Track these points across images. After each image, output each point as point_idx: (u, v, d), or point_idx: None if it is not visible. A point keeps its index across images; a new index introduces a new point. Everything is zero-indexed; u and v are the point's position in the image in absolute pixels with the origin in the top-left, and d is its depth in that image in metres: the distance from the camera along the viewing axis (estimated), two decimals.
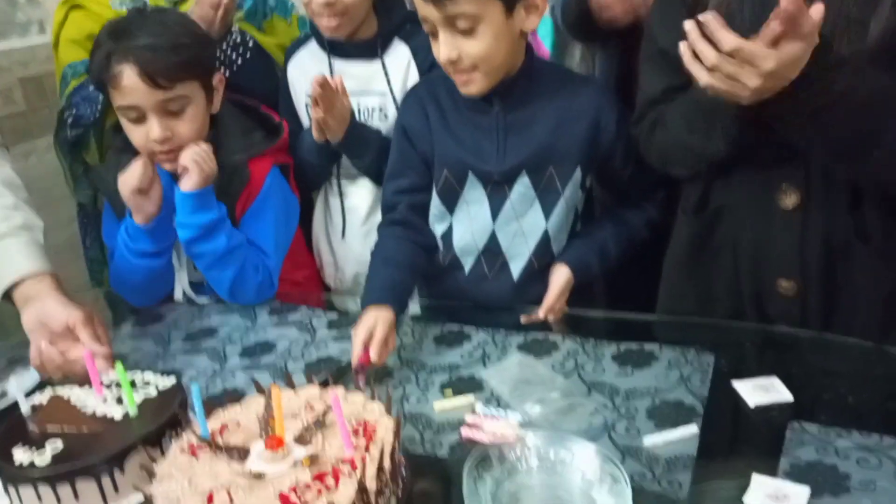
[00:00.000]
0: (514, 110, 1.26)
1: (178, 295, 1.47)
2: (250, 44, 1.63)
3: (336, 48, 1.52)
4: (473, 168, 1.28)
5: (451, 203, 1.33)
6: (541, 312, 1.26)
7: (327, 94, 1.36)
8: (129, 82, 1.26)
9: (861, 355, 1.06)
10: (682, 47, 0.92)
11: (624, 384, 1.04)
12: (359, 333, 1.11)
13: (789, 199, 1.06)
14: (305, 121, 1.58)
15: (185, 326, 1.36)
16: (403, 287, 1.25)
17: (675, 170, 1.19)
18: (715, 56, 0.88)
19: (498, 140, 1.27)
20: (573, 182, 1.28)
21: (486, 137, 1.28)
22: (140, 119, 1.30)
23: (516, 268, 1.33)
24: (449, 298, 1.38)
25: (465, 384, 1.08)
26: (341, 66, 1.52)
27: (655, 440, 0.90)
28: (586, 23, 1.43)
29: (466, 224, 1.33)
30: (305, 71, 1.56)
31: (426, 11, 1.16)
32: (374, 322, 1.12)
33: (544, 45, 1.74)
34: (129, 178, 1.30)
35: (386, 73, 1.50)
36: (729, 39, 0.87)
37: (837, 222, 1.06)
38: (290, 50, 1.61)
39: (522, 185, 1.28)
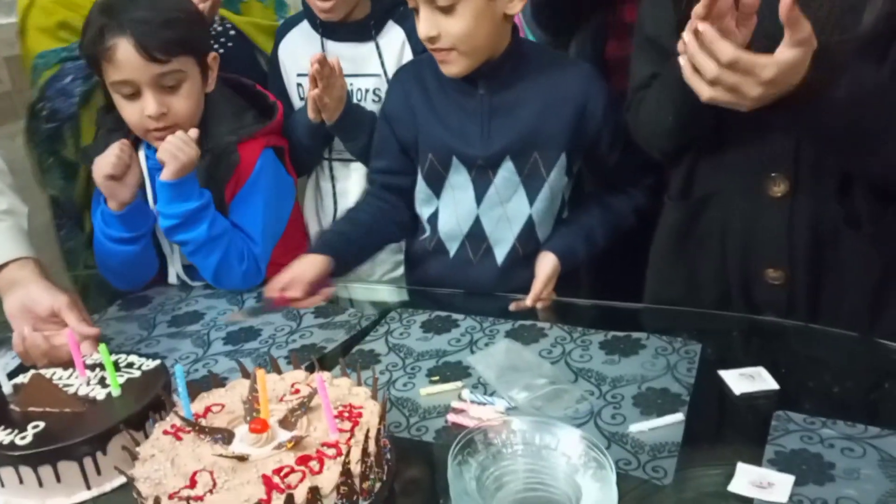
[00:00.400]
0: (499, 93, 1.26)
1: (171, 279, 1.46)
2: (231, 32, 1.62)
3: (329, 29, 1.51)
4: (457, 152, 1.28)
5: (436, 187, 1.33)
6: (528, 300, 1.26)
7: (325, 72, 1.35)
8: (124, 56, 1.24)
9: (847, 346, 1.06)
10: (682, 61, 0.91)
11: (611, 371, 1.03)
12: (289, 269, 1.17)
13: (778, 187, 1.06)
14: (296, 102, 1.57)
15: (171, 310, 1.35)
16: (355, 245, 1.29)
17: (656, 150, 1.19)
18: (715, 68, 0.87)
19: (482, 124, 1.27)
20: (558, 168, 1.27)
21: (470, 121, 1.27)
22: (134, 95, 1.28)
23: (500, 253, 1.32)
24: (434, 283, 1.38)
25: (453, 370, 1.08)
26: (334, 47, 1.51)
27: (641, 427, 0.90)
28: (557, 15, 1.43)
29: (451, 208, 1.33)
30: (297, 52, 1.54)
31: None
32: (306, 266, 1.17)
33: None
34: (103, 164, 1.28)
35: (380, 55, 1.49)
36: (727, 51, 0.85)
37: (826, 210, 1.06)
38: (282, 30, 1.59)
39: (507, 171, 1.27)
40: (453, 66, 1.22)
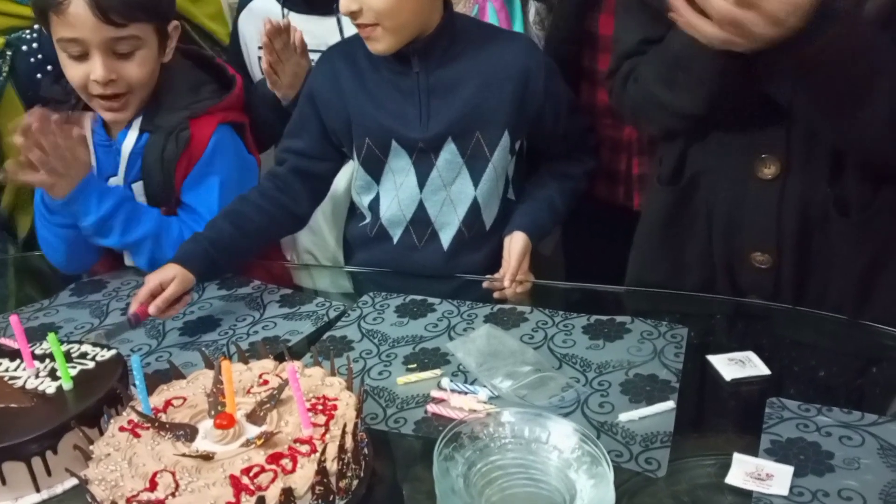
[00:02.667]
0: (435, 72, 1.20)
1: (127, 261, 1.38)
2: None
3: (291, 1, 1.43)
4: (397, 136, 1.22)
5: (375, 173, 1.27)
6: (506, 280, 1.22)
7: (277, 45, 1.27)
8: (76, 12, 1.14)
9: (835, 329, 1.04)
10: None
11: (596, 357, 0.99)
12: (148, 283, 1.10)
13: (768, 169, 1.02)
14: (257, 75, 1.49)
15: (126, 297, 1.26)
16: (229, 252, 1.20)
17: (648, 126, 1.14)
18: (721, 2, 0.82)
19: (421, 105, 1.21)
20: (501, 147, 1.23)
21: (408, 102, 1.21)
22: (82, 56, 1.18)
23: (446, 237, 1.28)
24: (376, 272, 1.33)
25: (430, 357, 1.02)
26: (296, 20, 1.43)
27: (631, 416, 0.86)
28: None
29: (393, 194, 1.27)
30: (257, 23, 1.46)
31: None
32: (170, 278, 1.10)
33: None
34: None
35: (341, 30, 1.41)
36: None
37: (816, 194, 1.03)
38: (243, 1, 1.51)
39: (449, 153, 1.22)
40: (379, 43, 1.16)
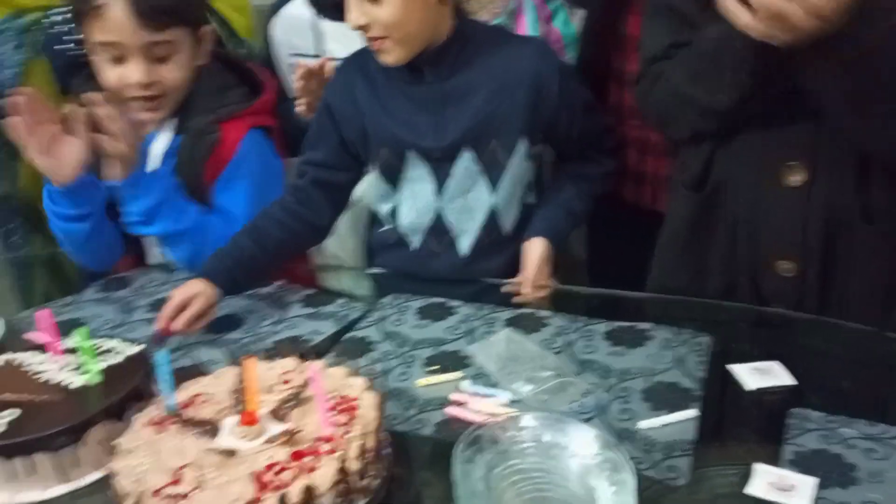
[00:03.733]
0: (448, 80, 1.20)
1: (151, 259, 1.39)
2: None
3: (323, 7, 1.44)
4: (412, 146, 1.22)
5: (393, 182, 1.28)
6: (525, 288, 1.21)
7: (312, 86, 1.28)
8: (116, 17, 1.16)
9: (860, 340, 1.03)
10: None
11: (617, 364, 0.99)
12: (174, 300, 1.10)
13: (794, 176, 1.02)
14: (290, 81, 1.50)
15: (152, 293, 1.28)
16: (252, 268, 1.21)
17: (674, 129, 1.13)
18: None
19: (435, 114, 1.21)
20: (518, 153, 1.23)
21: (422, 112, 1.22)
22: (120, 59, 1.20)
23: (465, 244, 1.28)
24: (397, 275, 1.33)
25: (451, 359, 1.03)
26: (330, 26, 1.44)
27: (652, 423, 0.86)
28: None
29: (411, 202, 1.28)
30: (290, 30, 1.48)
31: None
32: (194, 295, 1.10)
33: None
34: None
35: None
36: None
37: (842, 202, 1.02)
38: (276, 6, 1.52)
39: (466, 161, 1.22)
40: (389, 55, 1.16)
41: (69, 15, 1.44)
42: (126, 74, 1.21)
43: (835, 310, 1.08)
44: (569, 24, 1.50)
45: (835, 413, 0.86)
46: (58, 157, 1.18)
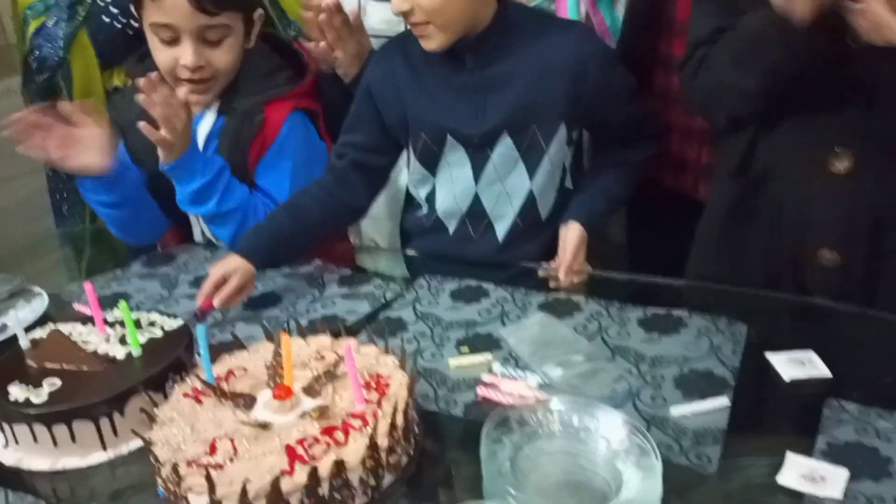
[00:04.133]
0: (489, 66, 1.20)
1: (196, 236, 1.42)
2: None
3: None
4: (452, 131, 1.23)
5: (431, 166, 1.28)
6: (561, 273, 1.20)
7: (335, 22, 1.28)
8: (173, 0, 1.19)
9: None
10: None
11: (650, 350, 0.98)
12: (213, 275, 1.12)
13: (841, 164, 0.99)
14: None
15: (195, 270, 1.31)
16: (288, 244, 1.23)
17: (717, 114, 1.12)
18: None
19: (475, 100, 1.21)
20: (558, 139, 1.22)
21: (462, 98, 1.22)
22: (173, 41, 1.23)
23: (501, 229, 1.28)
24: (432, 259, 1.33)
25: (483, 342, 1.03)
26: (372, 7, 1.45)
27: (683, 411, 0.86)
28: None
29: (449, 187, 1.28)
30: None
31: None
32: (233, 270, 1.12)
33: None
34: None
35: None
36: None
37: (888, 192, 1.00)
38: None
39: (504, 146, 1.22)
40: (432, 41, 1.16)
41: None
42: (178, 56, 1.23)
43: (879, 302, 1.05)
44: (613, 10, 1.48)
45: (870, 404, 0.85)
46: (81, 152, 1.21)
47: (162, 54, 1.25)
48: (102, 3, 1.51)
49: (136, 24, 1.45)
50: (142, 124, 1.17)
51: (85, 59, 1.54)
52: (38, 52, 1.53)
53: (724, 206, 1.12)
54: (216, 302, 1.11)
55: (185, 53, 1.22)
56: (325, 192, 1.27)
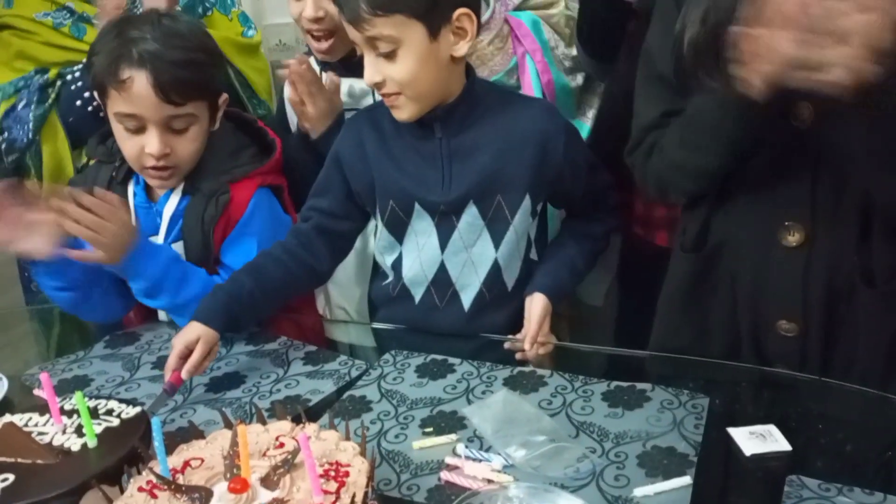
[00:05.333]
0: (457, 136, 1.23)
1: (161, 314, 1.41)
2: None
3: (330, 65, 1.48)
4: (419, 198, 1.25)
5: (398, 233, 1.29)
6: (526, 343, 1.21)
7: (307, 77, 1.31)
8: (140, 91, 1.19)
9: (862, 403, 1.01)
10: (737, 34, 0.80)
11: (614, 426, 0.98)
12: (176, 348, 1.12)
13: (793, 237, 1.02)
14: None
15: (157, 351, 1.30)
16: (250, 306, 1.22)
17: (671, 195, 1.15)
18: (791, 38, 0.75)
19: (442, 168, 1.24)
20: (523, 210, 1.24)
21: (430, 166, 1.24)
22: (139, 130, 1.23)
23: (467, 298, 1.29)
24: (400, 329, 1.34)
25: (447, 420, 1.03)
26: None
27: (646, 491, 0.85)
28: (604, 38, 1.39)
29: (415, 254, 1.29)
30: None
31: (351, 33, 1.15)
32: (195, 339, 1.13)
33: None
34: None
35: (374, 92, 1.45)
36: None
37: (842, 262, 1.02)
38: None
39: (470, 215, 1.24)
40: (403, 111, 1.19)
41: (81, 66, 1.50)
42: (144, 144, 1.23)
43: (838, 371, 1.06)
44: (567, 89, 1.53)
45: (834, 479, 0.85)
46: (27, 237, 1.19)
47: (127, 143, 1.25)
48: (74, 88, 1.53)
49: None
50: (72, 252, 1.17)
51: (55, 140, 1.55)
52: (6, 134, 1.54)
53: (683, 279, 1.14)
54: (184, 374, 1.10)
55: (151, 142, 1.23)
56: (288, 255, 1.28)
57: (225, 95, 1.33)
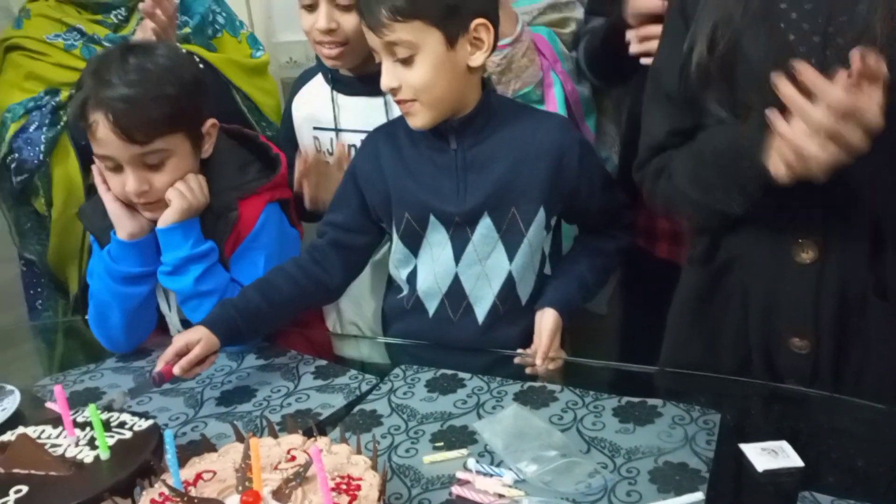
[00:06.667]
0: (472, 148, 1.24)
1: (172, 331, 1.42)
2: (200, 66, 1.58)
3: (340, 83, 1.50)
4: (434, 210, 1.26)
5: (413, 246, 1.30)
6: (538, 359, 1.21)
7: (316, 169, 1.34)
8: (103, 134, 1.20)
9: (874, 418, 1.01)
10: (772, 116, 0.85)
11: (625, 442, 0.98)
12: (175, 343, 1.14)
13: (807, 254, 1.01)
14: (308, 153, 1.55)
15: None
16: (256, 321, 1.23)
17: (681, 217, 1.15)
18: (823, 116, 0.81)
19: (457, 180, 1.25)
20: (537, 223, 1.25)
21: (445, 177, 1.25)
22: (117, 169, 1.25)
23: (481, 311, 1.29)
24: (412, 343, 1.35)
25: (458, 435, 1.03)
26: (344, 101, 1.50)
27: None
28: (614, 59, 1.40)
29: (430, 266, 1.30)
30: (310, 106, 1.54)
31: (370, 39, 1.17)
32: (196, 341, 1.14)
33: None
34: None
35: (387, 111, 1.46)
36: (837, 93, 0.80)
37: (854, 277, 1.02)
38: (297, 85, 1.59)
39: (484, 227, 1.25)
40: (417, 118, 1.21)
41: None
42: (123, 182, 1.25)
43: (850, 386, 1.06)
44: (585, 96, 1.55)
45: (847, 495, 0.84)
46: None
47: (113, 182, 1.27)
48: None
49: None
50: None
51: (66, 162, 1.57)
52: (17, 155, 1.55)
53: (693, 293, 1.14)
54: (176, 370, 1.11)
55: (128, 181, 1.24)
56: (300, 271, 1.29)
57: (212, 121, 1.32)
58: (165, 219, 1.26)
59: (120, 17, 1.60)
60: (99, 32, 1.59)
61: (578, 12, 1.57)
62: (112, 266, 1.30)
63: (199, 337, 1.15)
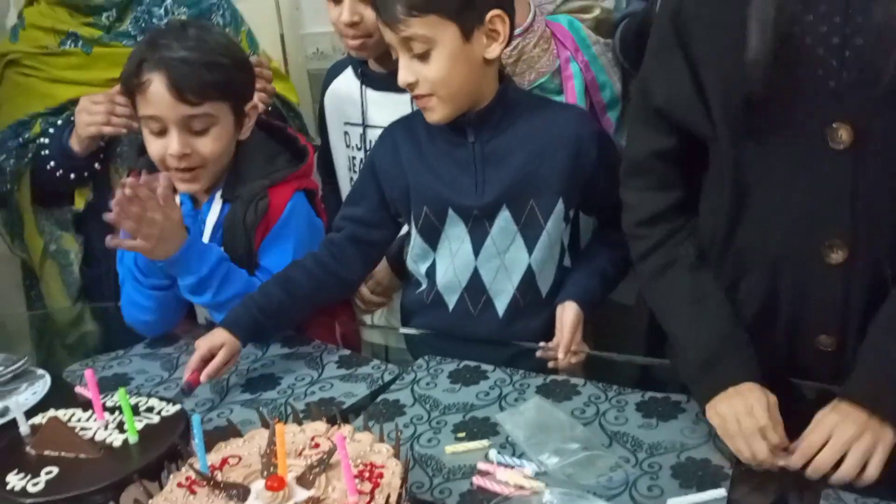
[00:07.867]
0: (490, 141, 1.25)
1: (200, 319, 1.45)
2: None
3: (369, 78, 1.51)
4: (453, 203, 1.26)
5: (432, 241, 1.30)
6: (560, 353, 1.21)
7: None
8: (156, 92, 1.24)
9: None
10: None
11: (648, 437, 0.98)
12: (200, 350, 1.16)
13: (836, 255, 1.00)
14: (341, 148, 1.57)
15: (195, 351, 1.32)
16: (277, 317, 1.25)
17: None
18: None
19: (476, 173, 1.25)
20: (556, 215, 1.25)
21: (463, 171, 1.26)
22: (161, 132, 1.27)
23: (501, 304, 1.29)
24: (433, 335, 1.35)
25: (480, 426, 1.03)
26: (374, 95, 1.52)
27: (680, 502, 0.85)
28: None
29: (449, 260, 1.30)
30: (339, 98, 1.56)
31: (387, 35, 1.18)
32: (219, 345, 1.16)
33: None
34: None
35: (413, 106, 1.47)
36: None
37: (884, 272, 1.00)
38: (329, 77, 1.62)
39: (503, 220, 1.25)
40: (435, 113, 1.21)
41: (59, 128, 1.56)
42: (167, 145, 1.27)
43: None
44: (608, 84, 1.53)
45: (870, 494, 0.84)
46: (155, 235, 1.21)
47: (153, 145, 1.30)
48: (44, 153, 1.58)
49: (72, 175, 1.56)
50: (108, 239, 1.20)
51: (22, 195, 1.63)
52: None
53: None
54: (203, 377, 1.14)
55: (172, 143, 1.26)
56: (318, 266, 1.30)
57: (254, 102, 1.36)
58: (160, 255, 1.24)
59: (111, 18, 1.62)
60: (93, 34, 1.60)
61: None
62: (143, 278, 1.33)
63: (223, 341, 1.17)
